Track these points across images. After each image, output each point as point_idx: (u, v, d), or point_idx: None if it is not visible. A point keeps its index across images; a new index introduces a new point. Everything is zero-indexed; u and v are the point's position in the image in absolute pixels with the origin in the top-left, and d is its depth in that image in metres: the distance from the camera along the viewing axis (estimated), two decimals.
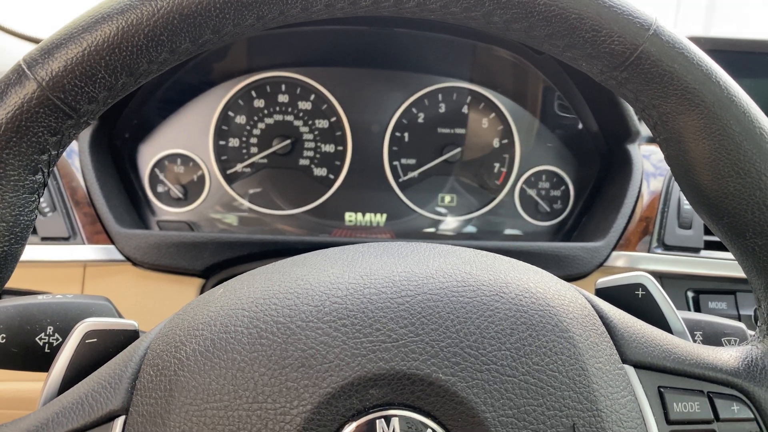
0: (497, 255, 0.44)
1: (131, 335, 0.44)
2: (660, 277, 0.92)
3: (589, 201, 1.02)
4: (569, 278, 0.91)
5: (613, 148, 0.97)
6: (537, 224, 1.03)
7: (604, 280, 0.49)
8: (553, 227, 1.04)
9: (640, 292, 0.47)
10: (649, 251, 0.91)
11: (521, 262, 0.44)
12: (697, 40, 0.90)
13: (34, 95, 0.34)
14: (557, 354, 0.35)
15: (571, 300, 0.39)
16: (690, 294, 0.92)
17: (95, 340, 0.43)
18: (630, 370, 0.38)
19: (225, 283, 0.43)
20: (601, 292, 0.48)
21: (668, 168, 0.93)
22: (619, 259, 0.92)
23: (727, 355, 0.40)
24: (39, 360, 0.54)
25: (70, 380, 0.41)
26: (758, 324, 0.42)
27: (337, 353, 0.34)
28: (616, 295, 0.47)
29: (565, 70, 0.95)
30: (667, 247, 0.91)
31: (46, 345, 0.54)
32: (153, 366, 0.36)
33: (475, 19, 0.38)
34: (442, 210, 1.03)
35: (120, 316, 0.58)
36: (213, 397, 0.34)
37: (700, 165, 0.39)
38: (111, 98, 0.37)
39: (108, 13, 0.35)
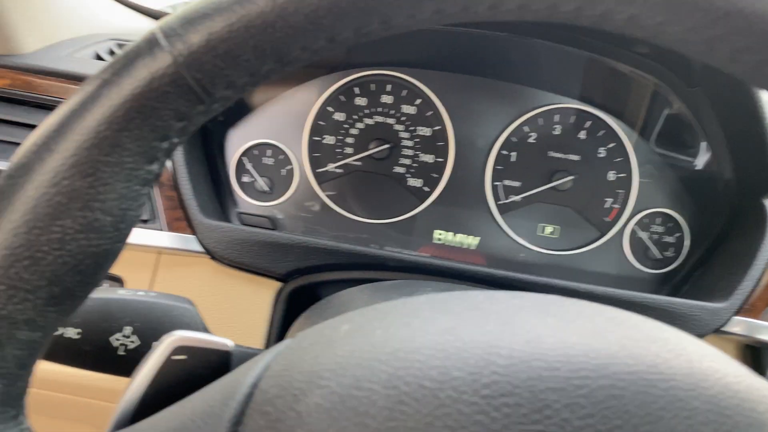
0: (682, 332, 0.35)
1: (223, 356, 0.39)
2: None
3: (708, 254, 0.91)
4: None
5: (747, 200, 0.86)
6: (644, 270, 0.93)
7: None
8: (661, 276, 0.94)
9: None
10: None
11: (706, 344, 0.36)
12: None
13: (167, 72, 0.29)
14: None
15: None
16: None
17: (185, 357, 0.38)
18: None
19: (347, 316, 0.35)
20: None
21: None
22: (737, 324, 0.81)
23: None
24: (111, 363, 0.49)
25: (150, 399, 0.36)
26: None
27: None
28: None
29: (711, 103, 0.85)
30: None
31: (121, 347, 0.49)
32: (263, 414, 0.29)
33: (658, 32, 0.31)
34: (542, 241, 0.94)
35: (203, 324, 0.52)
36: None
37: None
38: (250, 85, 0.31)
39: None
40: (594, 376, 0.29)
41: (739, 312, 0.81)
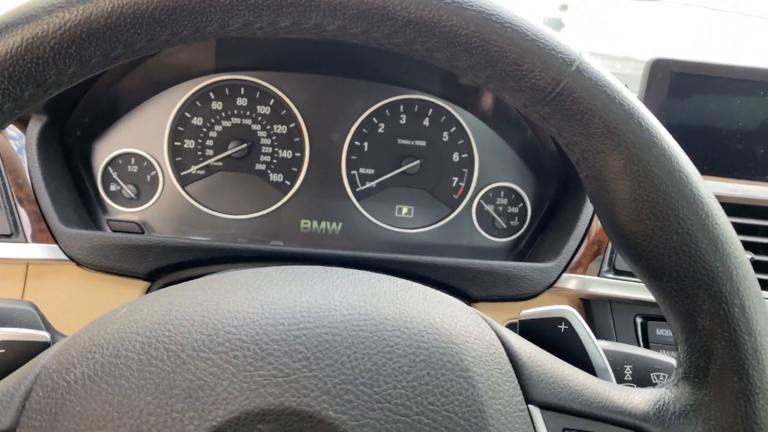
0: (413, 284, 0.43)
1: (41, 347, 0.43)
2: (609, 301, 0.92)
3: (545, 220, 1.01)
4: (519, 298, 0.90)
5: (570, 169, 0.96)
6: (493, 240, 1.03)
7: (528, 312, 0.48)
8: (509, 244, 1.03)
9: (563, 327, 0.46)
10: (599, 275, 0.91)
11: (437, 292, 0.43)
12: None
13: None
14: (455, 394, 0.34)
15: (477, 336, 0.38)
16: (638, 320, 0.92)
17: (3, 351, 0.42)
18: (535, 411, 0.37)
19: (132, 301, 0.42)
20: (525, 325, 0.47)
21: None
22: (570, 281, 0.91)
23: (639, 398, 0.39)
24: None
25: None
26: (675, 368, 0.41)
27: (225, 386, 0.33)
28: (538, 329, 0.46)
29: None
30: (618, 272, 0.91)
31: None
32: (43, 386, 0.35)
33: (397, 46, 0.37)
34: (399, 221, 1.02)
35: (45, 322, 0.57)
36: (96, 424, 0.33)
37: (620, 205, 0.38)
38: (18, 109, 0.36)
39: (12, 23, 0.34)
40: (311, 326, 0.36)
41: (567, 269, 0.91)
